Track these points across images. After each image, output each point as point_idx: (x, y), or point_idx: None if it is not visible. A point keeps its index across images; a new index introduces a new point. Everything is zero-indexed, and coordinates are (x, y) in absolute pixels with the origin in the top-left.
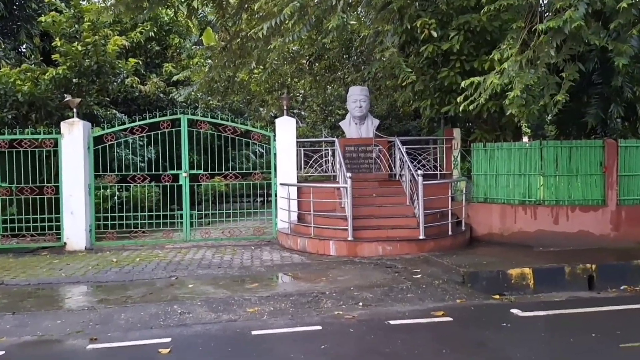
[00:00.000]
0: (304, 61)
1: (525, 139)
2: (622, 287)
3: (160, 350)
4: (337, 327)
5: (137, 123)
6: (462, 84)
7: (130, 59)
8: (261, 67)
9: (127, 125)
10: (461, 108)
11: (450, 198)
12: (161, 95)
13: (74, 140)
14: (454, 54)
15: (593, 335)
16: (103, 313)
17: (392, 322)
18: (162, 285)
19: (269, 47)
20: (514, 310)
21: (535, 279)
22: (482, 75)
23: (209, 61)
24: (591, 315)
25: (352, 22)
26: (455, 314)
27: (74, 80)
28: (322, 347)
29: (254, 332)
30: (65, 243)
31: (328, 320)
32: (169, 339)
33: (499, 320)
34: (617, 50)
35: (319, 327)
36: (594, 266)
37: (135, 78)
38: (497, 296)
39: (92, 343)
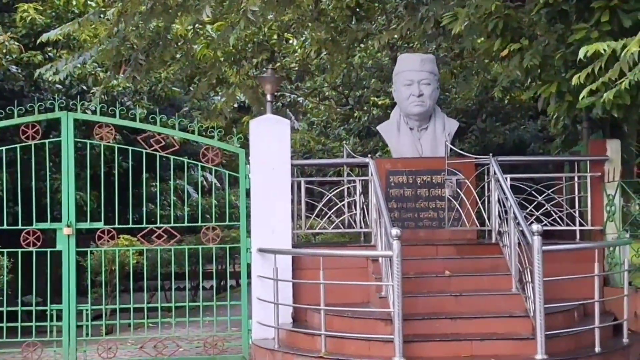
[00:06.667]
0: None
1: None
2: None
3: None
4: None
5: None
6: (580, 54)
7: None
8: (222, 16)
9: None
10: (580, 101)
11: (599, 280)
12: (13, 68)
13: None
14: None
15: None
16: None
17: None
18: None
19: None
20: None
21: None
22: None
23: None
24: None
25: None
26: None
27: None
28: None
29: None
30: None
31: None
32: None
33: None
34: None
35: None
36: None
37: None
38: None
39: None
